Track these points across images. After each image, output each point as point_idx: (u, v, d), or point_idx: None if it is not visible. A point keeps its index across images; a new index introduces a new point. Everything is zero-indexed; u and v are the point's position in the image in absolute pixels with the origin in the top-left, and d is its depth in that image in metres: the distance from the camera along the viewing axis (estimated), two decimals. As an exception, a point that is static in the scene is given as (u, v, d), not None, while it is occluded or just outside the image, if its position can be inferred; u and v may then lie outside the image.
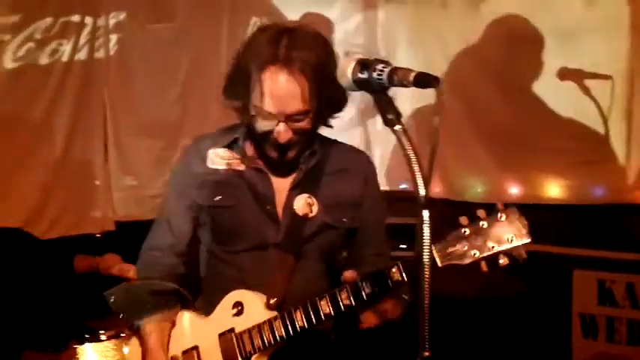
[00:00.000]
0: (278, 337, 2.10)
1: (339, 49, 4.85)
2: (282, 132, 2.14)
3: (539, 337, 4.03)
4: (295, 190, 2.28)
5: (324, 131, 2.40)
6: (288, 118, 2.13)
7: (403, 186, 4.58)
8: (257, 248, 2.25)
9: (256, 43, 2.18)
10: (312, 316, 2.07)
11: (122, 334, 2.96)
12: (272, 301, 2.13)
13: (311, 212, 2.24)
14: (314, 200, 2.26)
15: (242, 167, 2.29)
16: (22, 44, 4.27)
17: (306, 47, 2.13)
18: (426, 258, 1.46)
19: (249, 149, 2.33)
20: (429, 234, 1.46)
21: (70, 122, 4.37)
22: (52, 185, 4.31)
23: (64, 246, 4.09)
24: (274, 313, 2.13)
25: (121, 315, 2.35)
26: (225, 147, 2.31)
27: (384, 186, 5.03)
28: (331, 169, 2.31)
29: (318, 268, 2.33)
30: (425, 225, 1.45)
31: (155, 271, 2.35)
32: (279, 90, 2.09)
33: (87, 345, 3.02)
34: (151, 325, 2.28)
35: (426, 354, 1.50)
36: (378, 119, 5.20)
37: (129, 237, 4.38)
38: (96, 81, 4.47)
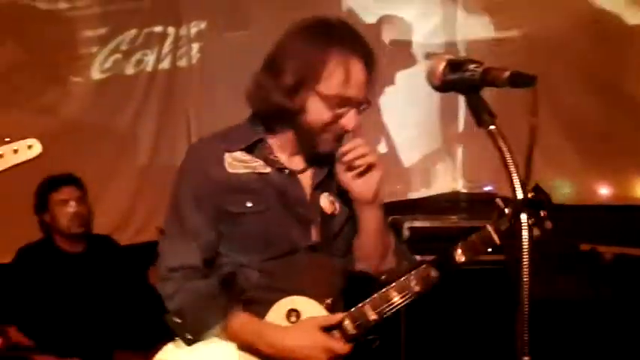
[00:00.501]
0: (350, 338, 2.04)
1: (417, 50, 4.89)
2: (354, 118, 2.07)
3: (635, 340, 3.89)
4: (318, 189, 2.19)
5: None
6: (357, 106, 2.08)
7: (488, 188, 4.50)
8: (288, 254, 2.13)
9: (325, 33, 2.09)
10: (386, 308, 2.01)
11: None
12: (328, 301, 2.05)
13: (336, 210, 2.17)
14: (334, 197, 2.19)
15: (268, 170, 2.14)
16: (109, 56, 4.42)
17: (365, 40, 2.10)
18: (525, 262, 1.42)
19: (276, 147, 2.13)
20: (527, 237, 1.42)
21: (154, 130, 4.48)
22: (139, 192, 4.42)
23: (152, 250, 4.18)
24: (340, 314, 2.06)
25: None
26: (243, 150, 2.09)
27: (463, 188, 5.00)
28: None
29: (342, 263, 2.24)
30: (524, 228, 1.41)
31: (199, 295, 2.05)
32: (358, 77, 2.05)
33: (177, 343, 3.05)
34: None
35: (526, 359, 1.45)
36: (460, 120, 5.15)
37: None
38: (179, 89, 4.58)
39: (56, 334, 3.34)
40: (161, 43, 4.56)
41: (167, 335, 3.16)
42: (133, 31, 4.50)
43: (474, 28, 4.80)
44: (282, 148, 2.12)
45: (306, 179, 2.13)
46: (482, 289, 3.61)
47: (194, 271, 2.05)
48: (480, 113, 1.55)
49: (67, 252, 3.54)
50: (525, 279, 1.44)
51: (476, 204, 4.59)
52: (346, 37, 2.04)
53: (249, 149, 2.09)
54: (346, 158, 2.03)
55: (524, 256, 1.42)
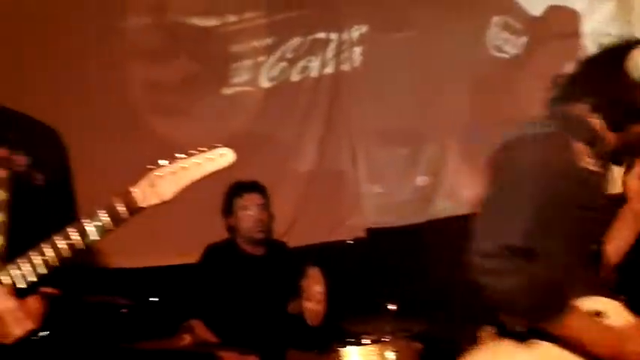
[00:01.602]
0: None
1: (588, 41, 4.62)
2: None
3: None
4: None
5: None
6: None
7: None
8: None
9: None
10: None
11: (384, 339, 2.99)
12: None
13: None
14: None
15: (596, 168, 2.00)
16: (276, 64, 4.56)
17: None
18: None
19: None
20: None
21: (320, 135, 4.57)
22: (305, 197, 4.52)
23: (319, 252, 4.27)
24: None
25: None
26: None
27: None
28: None
29: None
30: None
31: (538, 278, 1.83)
32: None
33: (350, 348, 3.09)
34: None
35: None
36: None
37: (379, 243, 4.52)
38: (343, 93, 4.63)
39: (238, 331, 3.49)
40: (324, 48, 4.64)
41: (340, 338, 3.23)
42: (297, 39, 4.61)
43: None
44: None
45: None
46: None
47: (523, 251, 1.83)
48: None
49: (249, 254, 3.70)
50: None
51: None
52: None
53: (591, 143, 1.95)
54: None
55: None
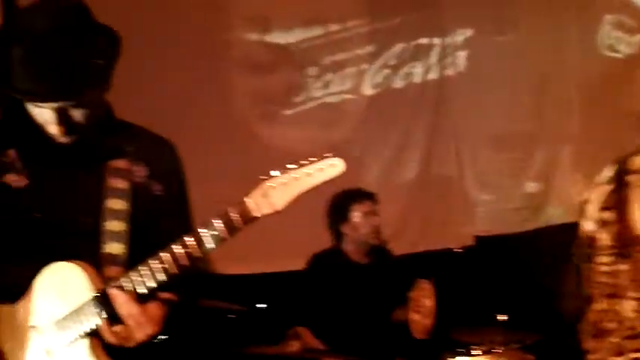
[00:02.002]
0: None
1: None
2: None
3: None
4: None
5: None
6: None
7: None
8: None
9: None
10: None
11: (495, 350, 2.92)
12: None
13: None
14: None
15: None
16: (379, 71, 4.55)
17: None
18: None
19: None
20: None
21: (425, 140, 4.52)
22: (412, 204, 4.48)
23: (426, 260, 4.23)
24: None
25: None
26: None
27: None
28: None
29: None
30: None
31: None
32: None
33: (460, 359, 3.04)
34: None
35: None
36: None
37: (488, 252, 4.43)
38: (448, 98, 4.58)
39: (344, 338, 3.49)
40: (428, 54, 4.61)
41: (449, 348, 3.17)
42: (400, 46, 4.60)
43: None
44: None
45: None
46: None
47: None
48: None
49: (355, 262, 3.70)
50: None
51: None
52: None
53: None
54: None
55: None
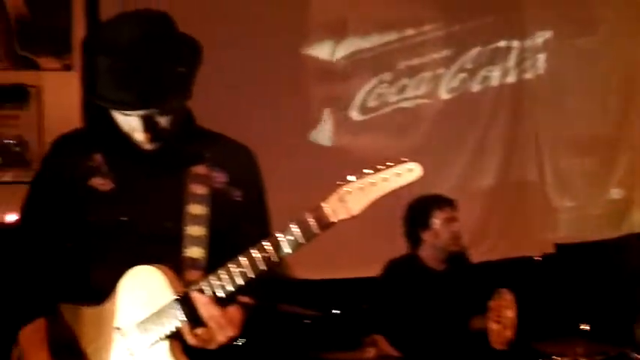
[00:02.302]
0: None
1: None
2: None
3: None
4: None
5: None
6: None
7: None
8: None
9: None
10: None
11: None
12: None
13: None
14: None
15: None
16: (455, 75, 4.50)
17: None
18: None
19: None
20: None
21: (503, 145, 4.45)
22: (490, 210, 4.41)
23: (504, 268, 4.15)
24: None
25: None
26: None
27: None
28: None
29: None
30: None
31: None
32: None
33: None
34: None
35: None
36: None
37: (569, 259, 4.31)
38: (526, 102, 4.49)
39: (420, 346, 3.46)
40: (506, 57, 4.53)
41: (530, 358, 3.09)
42: (477, 49, 4.54)
43: None
44: None
45: None
46: None
47: None
48: None
49: (432, 269, 3.66)
50: None
51: None
52: None
53: None
54: None
55: None
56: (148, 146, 1.86)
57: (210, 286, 1.76)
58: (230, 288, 1.75)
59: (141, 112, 1.79)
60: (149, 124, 1.81)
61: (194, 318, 1.76)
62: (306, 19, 4.33)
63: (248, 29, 4.14)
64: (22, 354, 1.85)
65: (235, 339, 1.81)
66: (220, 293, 1.76)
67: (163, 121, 1.83)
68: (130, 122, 1.83)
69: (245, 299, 1.85)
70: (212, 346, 1.78)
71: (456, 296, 3.56)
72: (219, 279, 1.75)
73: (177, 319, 1.77)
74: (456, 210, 3.64)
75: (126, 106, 1.79)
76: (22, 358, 1.86)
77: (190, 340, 1.77)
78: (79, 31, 4.06)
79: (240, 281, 1.74)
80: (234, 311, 1.80)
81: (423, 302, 3.53)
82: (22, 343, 1.86)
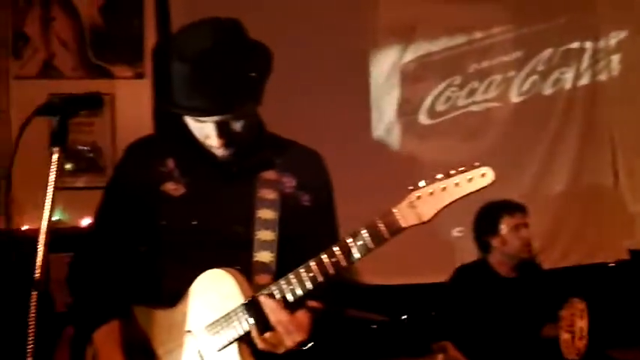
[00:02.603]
0: None
1: None
2: None
3: None
4: None
5: None
6: None
7: None
8: None
9: None
10: None
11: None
12: None
13: None
14: None
15: None
16: (526, 78, 4.42)
17: None
18: None
19: None
20: None
21: (576, 149, 4.34)
22: (564, 214, 4.31)
23: (577, 275, 4.05)
24: None
25: None
26: None
27: None
28: None
29: None
30: None
31: None
32: None
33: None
34: None
35: None
36: None
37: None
38: (600, 104, 4.38)
39: (489, 353, 3.40)
40: (579, 59, 4.43)
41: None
42: (549, 51, 4.44)
43: None
44: None
45: None
46: None
47: None
48: None
49: (502, 275, 3.59)
50: None
51: None
52: None
53: None
54: None
55: None
56: (220, 152, 1.88)
57: (280, 290, 1.76)
58: (299, 292, 1.75)
59: (215, 118, 1.81)
60: (223, 130, 1.83)
61: (263, 322, 1.76)
62: (374, 22, 4.33)
63: (317, 33, 4.16)
64: (96, 354, 1.90)
65: (304, 344, 1.81)
66: (290, 298, 1.76)
67: (237, 126, 1.85)
68: (204, 128, 1.85)
69: (314, 304, 1.84)
70: (280, 351, 1.78)
71: (527, 303, 3.49)
72: (289, 283, 1.75)
73: (246, 324, 1.78)
74: (527, 216, 3.56)
75: (201, 113, 1.81)
76: (96, 357, 1.90)
77: (259, 344, 1.78)
78: (150, 39, 4.16)
79: (309, 286, 1.74)
80: (302, 316, 1.80)
81: (493, 309, 3.47)
82: (97, 343, 1.90)
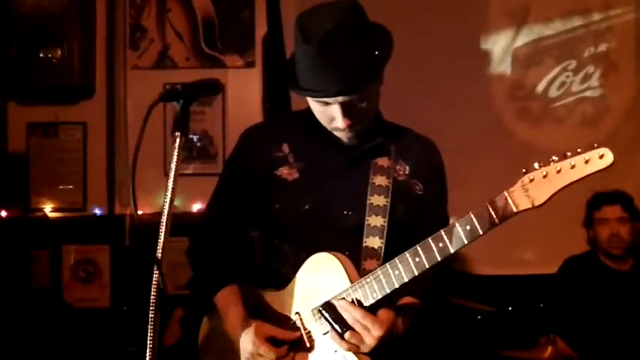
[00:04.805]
0: None
1: None
2: None
3: None
4: None
5: None
6: None
7: None
8: None
9: None
10: None
11: None
12: None
13: None
14: None
15: None
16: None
17: None
18: None
19: None
20: None
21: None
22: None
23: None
24: None
25: None
26: None
27: None
28: None
29: None
30: None
31: None
32: None
33: None
34: None
35: None
36: None
37: None
38: None
39: (597, 347, 3.29)
40: None
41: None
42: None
43: None
44: None
45: None
46: None
47: None
48: None
49: (612, 269, 3.47)
50: None
51: None
52: None
53: None
54: None
55: None
56: (345, 134, 1.89)
57: (390, 275, 1.73)
58: (406, 278, 1.72)
59: (340, 99, 1.81)
60: (348, 110, 1.84)
61: (341, 324, 1.76)
62: (487, 5, 4.22)
63: (428, 19, 4.11)
64: (220, 311, 1.94)
65: (390, 338, 1.77)
66: (392, 286, 1.73)
67: (361, 106, 1.85)
68: (329, 110, 1.86)
69: (407, 300, 1.85)
70: (365, 349, 1.76)
71: (638, 297, 3.35)
72: (396, 268, 1.73)
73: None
74: (625, 209, 3.42)
75: (329, 94, 1.81)
76: (213, 316, 1.97)
77: (343, 346, 1.77)
78: (261, 28, 4.22)
79: (415, 272, 1.71)
80: (382, 312, 1.77)
81: (602, 302, 3.36)
82: (219, 302, 1.94)
